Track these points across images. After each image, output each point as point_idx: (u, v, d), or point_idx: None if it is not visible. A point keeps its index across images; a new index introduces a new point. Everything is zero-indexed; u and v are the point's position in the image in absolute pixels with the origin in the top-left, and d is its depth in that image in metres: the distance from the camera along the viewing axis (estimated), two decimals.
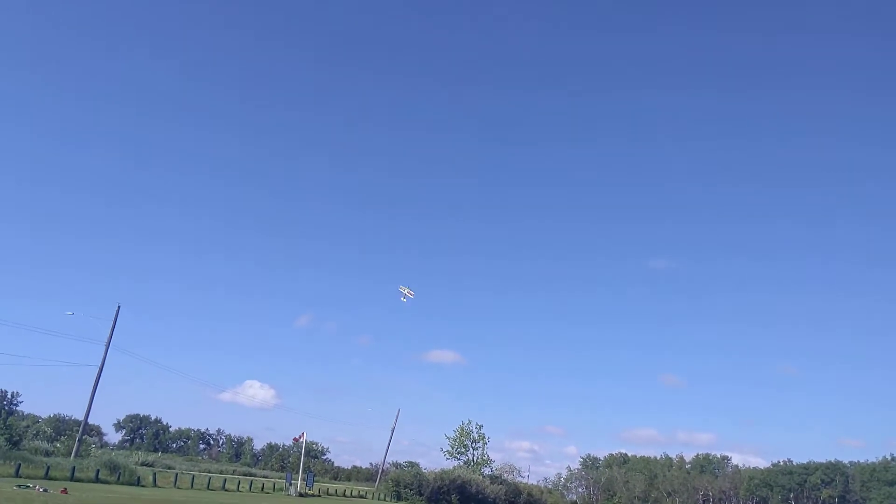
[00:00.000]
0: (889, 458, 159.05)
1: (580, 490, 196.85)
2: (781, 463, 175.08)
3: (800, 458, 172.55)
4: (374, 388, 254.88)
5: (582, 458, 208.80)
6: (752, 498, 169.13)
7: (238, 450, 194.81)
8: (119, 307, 66.12)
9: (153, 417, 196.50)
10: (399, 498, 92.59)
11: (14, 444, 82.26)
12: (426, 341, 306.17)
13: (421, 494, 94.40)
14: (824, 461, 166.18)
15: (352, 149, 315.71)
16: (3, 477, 43.31)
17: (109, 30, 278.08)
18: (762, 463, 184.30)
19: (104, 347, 64.16)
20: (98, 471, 52.69)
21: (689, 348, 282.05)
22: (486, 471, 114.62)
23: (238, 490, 65.46)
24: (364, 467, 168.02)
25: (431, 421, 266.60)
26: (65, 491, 35.10)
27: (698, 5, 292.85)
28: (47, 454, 66.58)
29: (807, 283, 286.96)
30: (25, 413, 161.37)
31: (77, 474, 49.84)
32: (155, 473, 63.22)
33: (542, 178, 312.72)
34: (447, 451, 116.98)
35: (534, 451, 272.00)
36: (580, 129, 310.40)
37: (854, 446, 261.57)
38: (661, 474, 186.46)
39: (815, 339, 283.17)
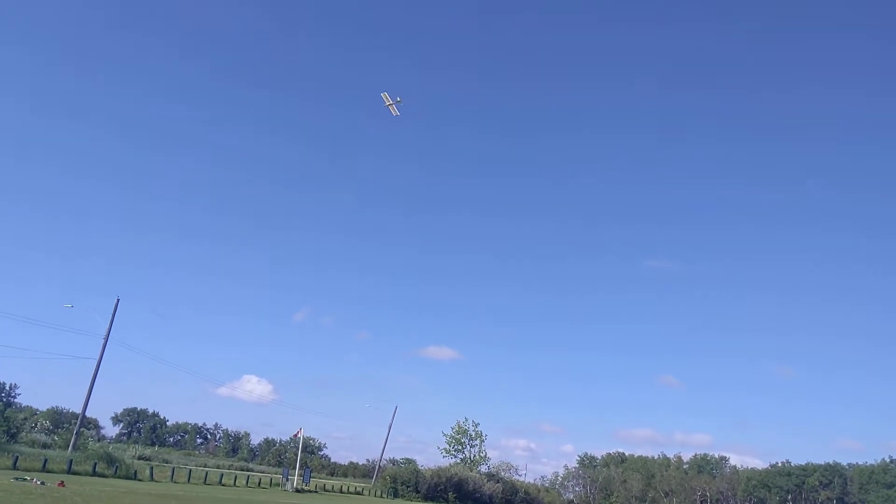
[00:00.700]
0: (888, 460, 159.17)
1: (577, 489, 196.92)
2: (779, 464, 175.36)
3: (798, 460, 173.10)
4: (371, 384, 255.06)
5: (579, 456, 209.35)
6: (750, 499, 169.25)
7: (235, 445, 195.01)
8: (118, 300, 66.13)
9: (151, 411, 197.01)
10: (396, 495, 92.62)
11: (12, 436, 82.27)
12: (424, 338, 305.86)
13: (418, 491, 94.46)
14: (822, 463, 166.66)
15: (351, 143, 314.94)
16: (1, 469, 43.29)
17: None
18: (760, 464, 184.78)
19: (102, 341, 64.15)
20: (95, 464, 52.58)
21: (687, 349, 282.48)
22: (483, 468, 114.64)
23: (235, 485, 65.39)
24: (361, 463, 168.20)
25: (428, 418, 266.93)
26: (62, 484, 35.00)
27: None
28: (45, 447, 66.55)
29: (807, 285, 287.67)
30: (23, 405, 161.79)
31: (74, 467, 49.77)
32: (152, 467, 63.12)
33: (543, 176, 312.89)
34: (444, 448, 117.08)
35: (530, 449, 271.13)
36: (588, 125, 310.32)
37: (853, 448, 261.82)
38: (659, 474, 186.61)
39: (813, 341, 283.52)
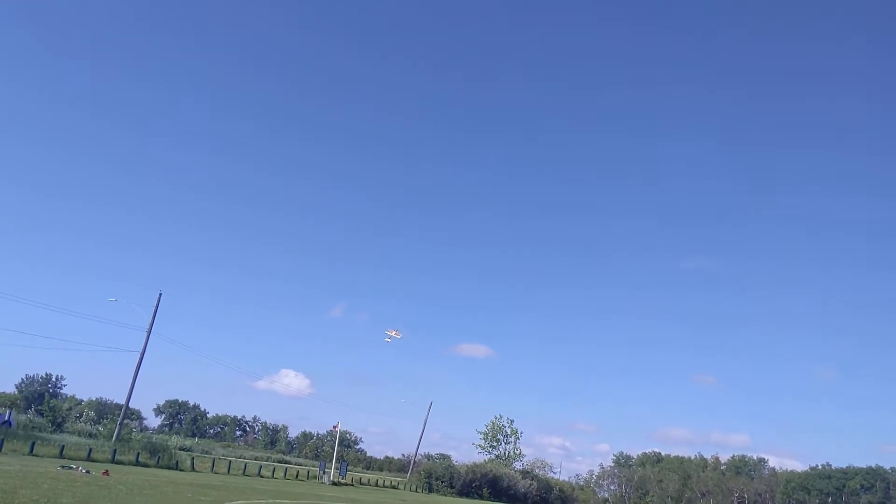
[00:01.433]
0: None
1: (612, 488, 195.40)
2: (820, 467, 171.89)
3: (839, 463, 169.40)
4: (405, 380, 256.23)
5: (615, 455, 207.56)
6: (789, 501, 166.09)
7: (273, 437, 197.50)
8: (160, 295, 67.36)
9: (191, 403, 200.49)
10: (431, 490, 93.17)
11: (58, 425, 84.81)
12: (457, 335, 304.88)
13: (452, 487, 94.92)
14: (864, 466, 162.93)
15: (382, 141, 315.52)
16: (48, 458, 44.65)
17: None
18: (799, 466, 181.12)
19: (145, 334, 65.59)
20: (138, 454, 53.90)
21: (724, 348, 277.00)
22: (518, 465, 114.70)
23: (273, 477, 66.41)
24: (396, 458, 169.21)
25: (462, 414, 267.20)
26: (106, 473, 35.98)
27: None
28: (90, 436, 68.32)
29: (849, 287, 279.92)
30: (68, 395, 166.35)
31: (118, 457, 51.07)
32: (193, 458, 64.49)
33: (576, 174, 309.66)
34: (479, 444, 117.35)
35: (565, 447, 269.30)
36: (619, 126, 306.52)
37: None
38: (696, 475, 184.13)
39: (856, 342, 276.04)
